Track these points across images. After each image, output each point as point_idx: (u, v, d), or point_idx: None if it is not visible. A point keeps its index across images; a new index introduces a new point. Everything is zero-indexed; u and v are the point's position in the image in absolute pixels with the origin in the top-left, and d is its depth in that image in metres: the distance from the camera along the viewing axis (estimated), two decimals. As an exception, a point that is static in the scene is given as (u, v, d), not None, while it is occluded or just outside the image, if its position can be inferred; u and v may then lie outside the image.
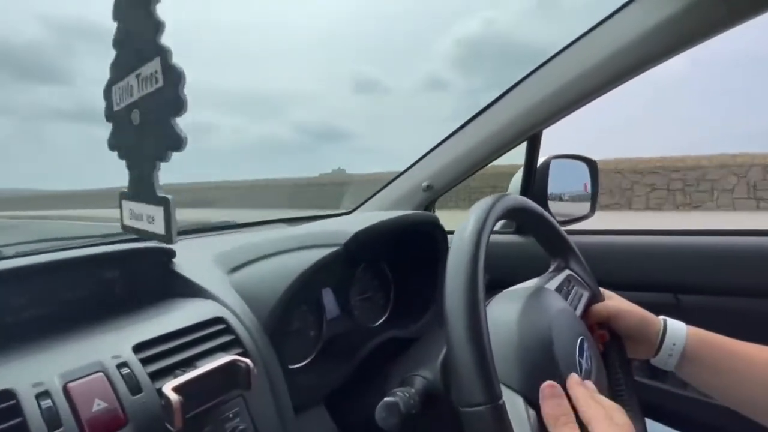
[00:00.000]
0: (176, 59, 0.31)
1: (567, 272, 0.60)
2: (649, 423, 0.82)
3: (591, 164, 1.04)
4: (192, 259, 0.62)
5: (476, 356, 0.35)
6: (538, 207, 0.56)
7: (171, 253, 0.60)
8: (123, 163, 0.38)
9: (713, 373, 0.54)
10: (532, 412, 0.39)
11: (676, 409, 0.85)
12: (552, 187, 0.99)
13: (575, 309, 0.55)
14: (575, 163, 1.05)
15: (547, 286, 0.54)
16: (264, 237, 0.71)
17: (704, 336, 0.55)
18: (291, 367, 0.65)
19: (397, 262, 0.87)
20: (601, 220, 1.03)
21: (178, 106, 0.31)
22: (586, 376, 0.46)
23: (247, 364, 0.45)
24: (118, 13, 0.36)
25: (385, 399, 0.44)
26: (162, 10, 0.31)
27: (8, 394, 0.36)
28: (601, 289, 0.62)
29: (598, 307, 0.59)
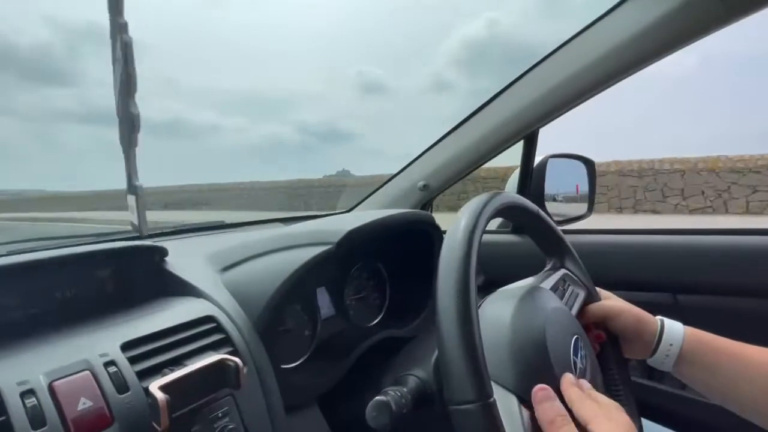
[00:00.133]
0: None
1: (563, 271, 0.59)
2: (646, 423, 0.81)
3: (588, 164, 1.04)
4: (184, 257, 0.62)
5: (466, 354, 0.35)
6: (532, 205, 0.55)
7: (163, 252, 0.59)
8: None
9: (710, 374, 0.53)
10: (525, 411, 0.39)
11: (673, 410, 0.84)
12: (549, 187, 0.99)
13: (571, 308, 0.54)
14: (573, 162, 1.04)
15: (542, 285, 0.54)
16: (257, 236, 0.71)
17: (702, 337, 0.55)
18: (285, 366, 0.64)
19: (392, 261, 0.86)
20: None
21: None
22: (581, 375, 0.45)
23: (236, 363, 0.44)
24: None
25: (376, 398, 0.44)
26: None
27: None
28: (598, 289, 0.61)
29: (595, 306, 0.58)
